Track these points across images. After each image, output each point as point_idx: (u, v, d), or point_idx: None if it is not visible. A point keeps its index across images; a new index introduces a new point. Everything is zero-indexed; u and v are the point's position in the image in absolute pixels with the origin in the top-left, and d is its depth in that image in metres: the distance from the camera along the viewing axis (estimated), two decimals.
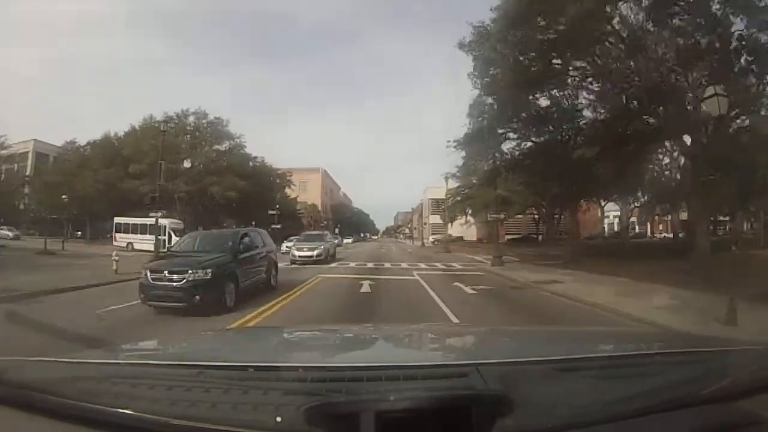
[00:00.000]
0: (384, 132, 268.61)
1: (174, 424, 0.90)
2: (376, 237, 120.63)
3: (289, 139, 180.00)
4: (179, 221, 32.64)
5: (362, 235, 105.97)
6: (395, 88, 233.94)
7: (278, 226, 39.67)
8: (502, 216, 17.81)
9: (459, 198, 44.36)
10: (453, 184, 45.92)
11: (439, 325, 5.10)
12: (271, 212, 37.13)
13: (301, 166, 68.22)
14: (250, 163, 42.22)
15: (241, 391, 1.05)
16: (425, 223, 62.50)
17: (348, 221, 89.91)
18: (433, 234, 60.84)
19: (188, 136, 36.97)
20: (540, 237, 44.97)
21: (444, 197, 48.01)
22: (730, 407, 1.00)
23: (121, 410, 0.95)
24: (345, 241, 62.05)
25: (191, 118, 37.32)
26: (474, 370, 1.09)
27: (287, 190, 51.22)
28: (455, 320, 7.30)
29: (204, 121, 37.56)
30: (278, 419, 0.89)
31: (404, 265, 20.31)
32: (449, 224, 44.03)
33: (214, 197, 34.75)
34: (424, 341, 2.13)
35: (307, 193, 67.24)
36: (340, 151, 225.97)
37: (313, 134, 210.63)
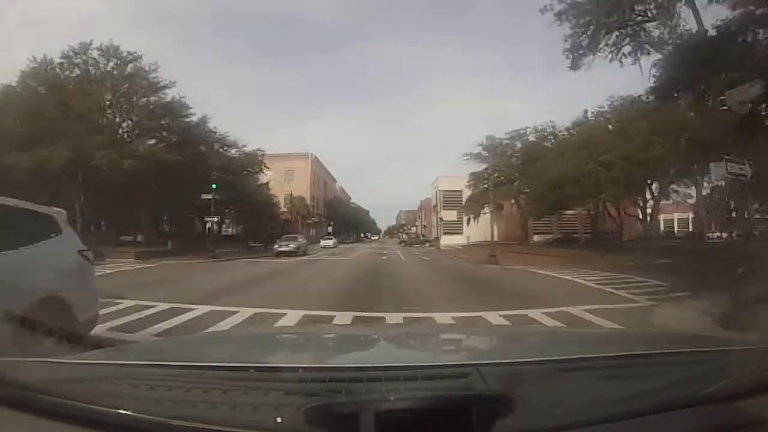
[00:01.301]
0: (385, 131, 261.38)
1: (173, 424, 0.89)
2: (376, 237, 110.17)
3: (289, 137, 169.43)
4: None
5: (362, 234, 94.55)
6: (396, 87, 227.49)
7: (214, 219, 26.98)
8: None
9: (486, 185, 32.98)
10: (471, 168, 35.00)
11: (439, 325, 4.96)
12: (205, 197, 24.32)
13: (288, 152, 56.72)
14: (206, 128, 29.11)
15: (241, 391, 1.04)
16: (441, 219, 50.51)
17: (343, 218, 78.06)
18: (445, 233, 49.16)
19: (103, 87, 24.93)
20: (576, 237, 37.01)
21: (468, 183, 36.50)
22: (730, 407, 0.97)
23: (120, 411, 0.93)
24: (324, 242, 44.82)
25: (95, 53, 25.30)
26: (474, 370, 1.07)
27: (261, 176, 38.89)
28: None
29: (113, 61, 25.24)
30: (278, 420, 0.88)
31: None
32: (477, 218, 32.40)
33: (100, 171, 21.72)
34: (424, 341, 2.08)
35: (295, 184, 55.61)
36: (339, 150, 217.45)
37: (313, 132, 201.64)
